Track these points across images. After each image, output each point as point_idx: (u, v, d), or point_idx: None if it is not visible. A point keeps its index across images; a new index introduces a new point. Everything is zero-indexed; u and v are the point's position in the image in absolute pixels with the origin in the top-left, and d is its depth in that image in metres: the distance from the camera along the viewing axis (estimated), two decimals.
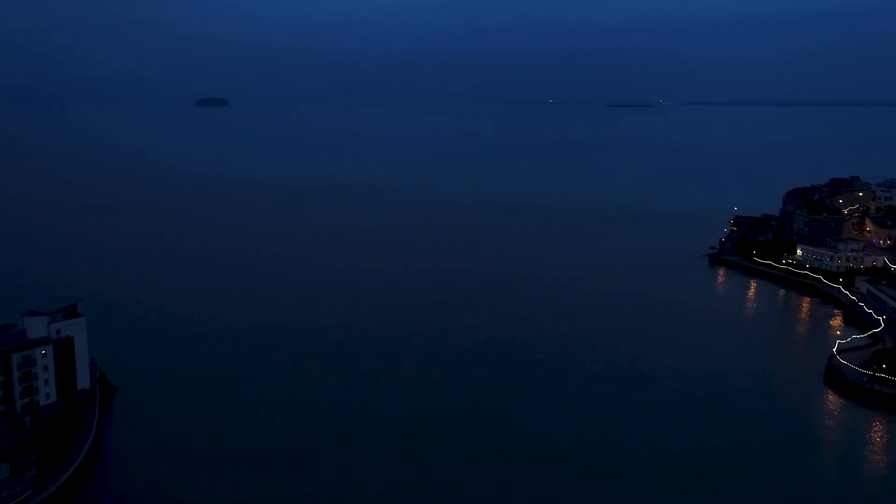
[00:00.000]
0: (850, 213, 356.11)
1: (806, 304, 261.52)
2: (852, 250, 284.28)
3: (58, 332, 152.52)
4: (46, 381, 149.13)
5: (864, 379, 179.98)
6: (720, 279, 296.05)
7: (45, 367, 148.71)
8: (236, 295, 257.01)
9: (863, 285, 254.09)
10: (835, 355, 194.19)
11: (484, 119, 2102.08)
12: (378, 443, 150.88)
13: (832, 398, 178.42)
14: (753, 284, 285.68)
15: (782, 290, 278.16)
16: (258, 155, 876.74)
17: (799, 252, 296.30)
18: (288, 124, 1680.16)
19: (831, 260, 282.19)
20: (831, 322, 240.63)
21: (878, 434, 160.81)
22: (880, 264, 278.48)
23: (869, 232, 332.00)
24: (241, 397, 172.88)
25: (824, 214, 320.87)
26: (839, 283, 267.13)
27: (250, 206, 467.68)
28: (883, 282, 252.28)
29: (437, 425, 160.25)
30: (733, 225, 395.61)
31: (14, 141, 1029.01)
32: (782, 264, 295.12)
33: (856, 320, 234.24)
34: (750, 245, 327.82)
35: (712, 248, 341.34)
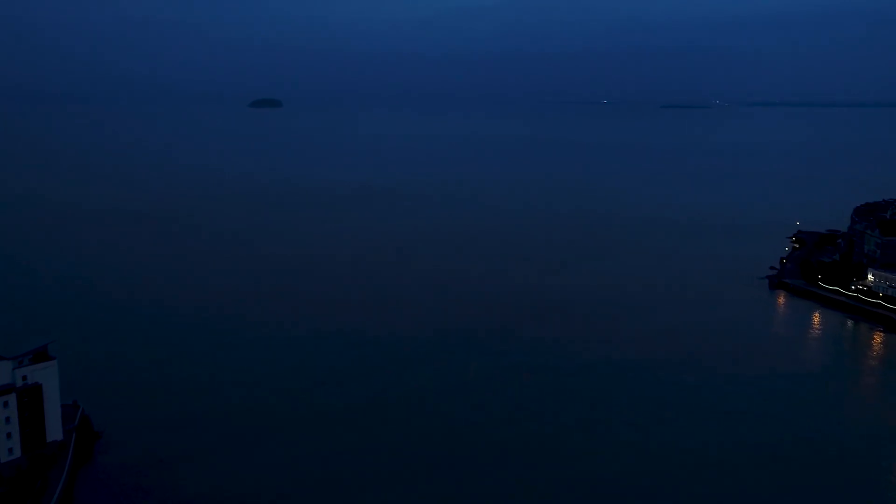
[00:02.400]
0: None
1: (879, 339, 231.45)
2: None
3: (24, 378, 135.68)
4: (9, 435, 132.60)
5: None
6: (780, 306, 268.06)
7: (8, 420, 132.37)
8: (255, 318, 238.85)
9: None
10: None
11: (537, 121, 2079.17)
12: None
13: None
14: (818, 314, 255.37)
15: (850, 322, 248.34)
16: (314, 158, 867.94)
17: (870, 277, 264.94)
18: (344, 125, 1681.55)
19: None
20: None
21: None
22: None
23: None
24: (247, 442, 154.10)
25: None
26: None
27: (294, 212, 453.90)
28: None
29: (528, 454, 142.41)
30: (795, 241, 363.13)
31: (70, 144, 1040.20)
32: (851, 291, 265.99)
33: None
34: (814, 266, 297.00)
35: (772, 268, 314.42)
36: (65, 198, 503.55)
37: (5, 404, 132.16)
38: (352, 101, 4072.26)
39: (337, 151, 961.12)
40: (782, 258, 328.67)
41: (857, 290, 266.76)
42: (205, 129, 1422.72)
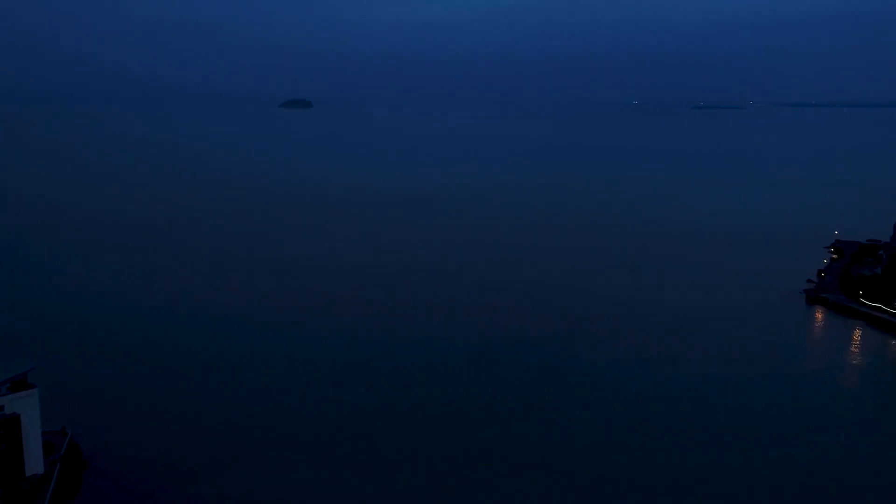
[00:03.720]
0: None
1: None
2: None
3: (1, 408, 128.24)
4: None
5: None
6: (818, 324, 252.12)
7: None
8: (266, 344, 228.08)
9: None
10: None
11: (566, 122, 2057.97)
12: None
13: None
14: (859, 333, 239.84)
15: (895, 343, 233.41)
16: (347, 159, 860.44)
17: None
18: (377, 126, 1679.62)
19: None
20: None
21: None
22: None
23: None
24: (251, 472, 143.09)
25: None
26: None
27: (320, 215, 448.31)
28: None
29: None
30: (833, 252, 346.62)
31: (98, 145, 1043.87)
32: (895, 308, 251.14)
33: None
34: (855, 280, 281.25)
35: (809, 281, 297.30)
36: (68, 199, 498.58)
37: None
38: (380, 102, 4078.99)
39: (372, 152, 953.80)
40: (820, 270, 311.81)
41: None
42: (237, 131, 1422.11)
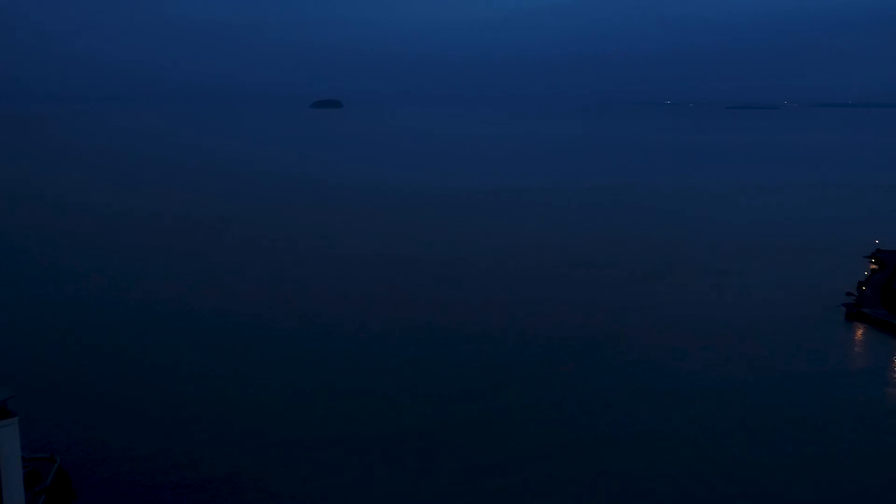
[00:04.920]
0: None
1: None
2: None
3: None
4: None
5: None
6: (859, 341, 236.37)
7: None
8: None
9: None
10: None
11: (598, 122, 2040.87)
12: None
13: None
14: None
15: None
16: (378, 159, 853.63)
17: None
18: (411, 127, 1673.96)
19: None
20: None
21: None
22: None
23: None
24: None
25: None
26: None
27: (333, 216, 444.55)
28: None
29: None
30: (874, 262, 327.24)
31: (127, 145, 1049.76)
32: None
33: None
34: None
35: (849, 294, 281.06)
36: (73, 197, 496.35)
37: None
38: (410, 102, 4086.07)
39: (405, 152, 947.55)
40: (860, 282, 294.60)
41: None
42: (270, 132, 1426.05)
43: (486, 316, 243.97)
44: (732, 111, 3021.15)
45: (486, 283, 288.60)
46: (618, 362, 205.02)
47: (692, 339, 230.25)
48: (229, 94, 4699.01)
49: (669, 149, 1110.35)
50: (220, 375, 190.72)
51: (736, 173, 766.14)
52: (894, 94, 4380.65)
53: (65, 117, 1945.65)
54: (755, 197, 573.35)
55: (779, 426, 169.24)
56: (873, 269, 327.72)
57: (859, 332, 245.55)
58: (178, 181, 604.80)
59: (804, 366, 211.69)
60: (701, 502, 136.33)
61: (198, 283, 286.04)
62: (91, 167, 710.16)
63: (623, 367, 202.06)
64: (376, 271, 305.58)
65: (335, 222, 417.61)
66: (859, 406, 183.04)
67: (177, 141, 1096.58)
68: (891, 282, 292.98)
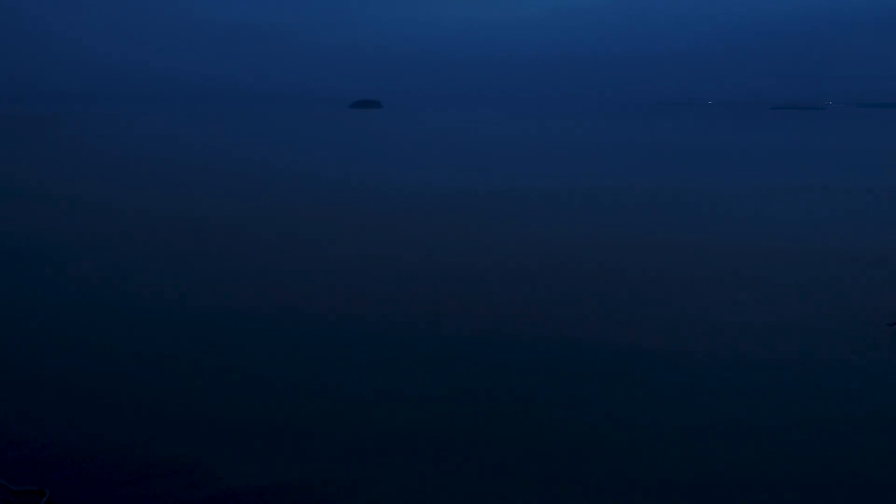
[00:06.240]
0: None
1: None
2: None
3: None
4: None
5: None
6: None
7: None
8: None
9: None
10: None
11: (639, 123, 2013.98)
12: None
13: None
14: None
15: None
16: (419, 160, 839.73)
17: None
18: (451, 127, 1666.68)
19: None
20: None
21: None
22: None
23: None
24: None
25: None
26: None
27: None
28: None
29: None
30: None
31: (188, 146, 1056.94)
32: None
33: None
34: None
35: None
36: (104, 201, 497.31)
37: None
38: (447, 102, 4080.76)
39: (448, 153, 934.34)
40: None
41: None
42: (309, 132, 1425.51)
43: (536, 321, 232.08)
44: (777, 112, 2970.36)
45: (535, 286, 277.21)
46: (654, 381, 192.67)
47: (721, 358, 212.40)
48: (266, 97, 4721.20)
49: (715, 151, 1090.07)
50: (239, 402, 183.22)
51: (783, 176, 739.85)
52: None
53: (108, 118, 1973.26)
54: (793, 202, 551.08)
55: (818, 457, 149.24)
56: None
57: None
58: (217, 185, 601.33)
59: (849, 392, 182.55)
60: None
61: (233, 295, 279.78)
62: (125, 171, 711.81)
63: (658, 381, 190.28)
64: (419, 274, 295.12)
65: (376, 225, 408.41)
66: None
67: (213, 144, 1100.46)
68: None
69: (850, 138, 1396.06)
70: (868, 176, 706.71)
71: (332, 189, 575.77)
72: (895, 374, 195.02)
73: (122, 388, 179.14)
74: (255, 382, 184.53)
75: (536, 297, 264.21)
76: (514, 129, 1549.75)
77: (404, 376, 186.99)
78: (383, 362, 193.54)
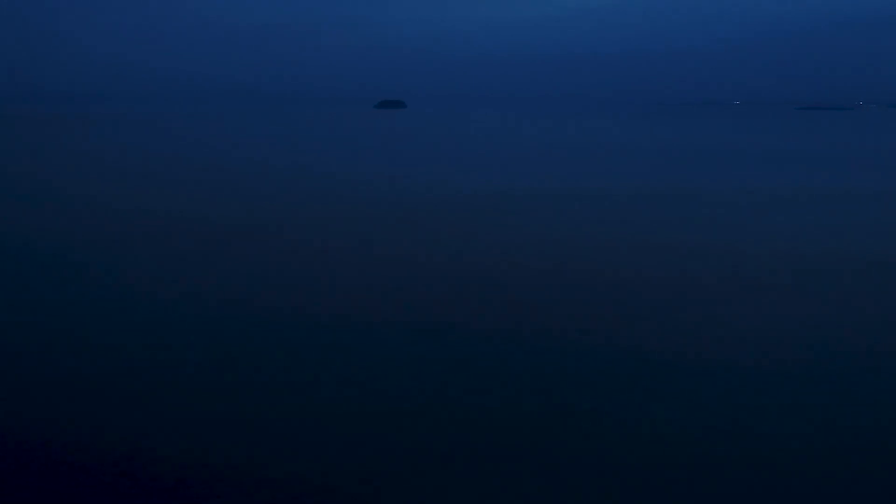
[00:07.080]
0: None
1: None
2: None
3: None
4: None
5: None
6: None
7: None
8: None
9: None
10: None
11: (663, 124, 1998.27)
12: None
13: None
14: None
15: None
16: (448, 161, 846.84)
17: None
18: (478, 127, 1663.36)
19: None
20: None
21: None
22: None
23: None
24: None
25: None
26: None
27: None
28: None
29: None
30: None
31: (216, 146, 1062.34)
32: None
33: None
34: None
35: None
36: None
37: None
38: (471, 102, 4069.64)
39: (478, 153, 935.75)
40: None
41: None
42: (333, 133, 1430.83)
43: (573, 322, 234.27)
44: (804, 112, 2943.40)
45: (572, 289, 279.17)
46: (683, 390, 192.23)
47: (748, 380, 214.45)
48: (291, 97, 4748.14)
49: (745, 152, 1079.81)
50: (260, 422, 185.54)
51: (817, 179, 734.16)
52: None
53: (130, 119, 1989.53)
54: (819, 210, 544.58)
55: (835, 474, 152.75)
56: None
57: None
58: (243, 187, 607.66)
59: (882, 417, 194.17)
60: None
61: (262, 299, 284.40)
62: (151, 174, 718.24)
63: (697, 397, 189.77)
64: (447, 274, 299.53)
65: (406, 226, 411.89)
66: None
67: (241, 145, 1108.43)
68: None
69: (882, 140, 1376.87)
70: (889, 180, 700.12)
71: (368, 190, 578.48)
72: None
73: (124, 389, 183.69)
74: (293, 387, 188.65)
75: (573, 298, 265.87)
76: (543, 130, 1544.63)
77: (419, 378, 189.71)
78: (406, 361, 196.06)
